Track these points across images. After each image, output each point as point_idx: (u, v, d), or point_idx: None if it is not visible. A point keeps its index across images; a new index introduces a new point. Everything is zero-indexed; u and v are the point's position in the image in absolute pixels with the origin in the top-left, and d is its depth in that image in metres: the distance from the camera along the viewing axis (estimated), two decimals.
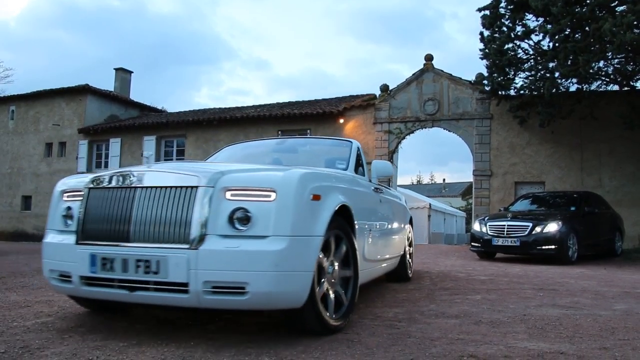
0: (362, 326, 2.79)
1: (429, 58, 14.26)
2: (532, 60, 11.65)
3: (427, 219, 21.53)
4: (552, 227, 7.84)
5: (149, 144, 17.00)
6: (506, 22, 11.41)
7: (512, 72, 11.84)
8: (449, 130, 13.99)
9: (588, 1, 9.69)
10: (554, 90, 10.73)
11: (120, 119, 19.26)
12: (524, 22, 11.21)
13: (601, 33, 8.93)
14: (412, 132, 14.31)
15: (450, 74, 13.99)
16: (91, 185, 2.57)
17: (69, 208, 2.67)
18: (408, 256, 5.08)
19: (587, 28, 9.83)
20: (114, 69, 20.91)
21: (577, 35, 10.22)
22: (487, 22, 11.53)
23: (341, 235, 2.73)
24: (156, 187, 2.38)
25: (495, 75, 11.79)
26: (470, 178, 15.76)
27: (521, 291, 4.41)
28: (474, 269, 6.68)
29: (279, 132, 15.34)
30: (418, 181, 58.24)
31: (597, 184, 12.27)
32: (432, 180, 58.61)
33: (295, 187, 2.33)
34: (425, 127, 14.19)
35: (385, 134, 14.40)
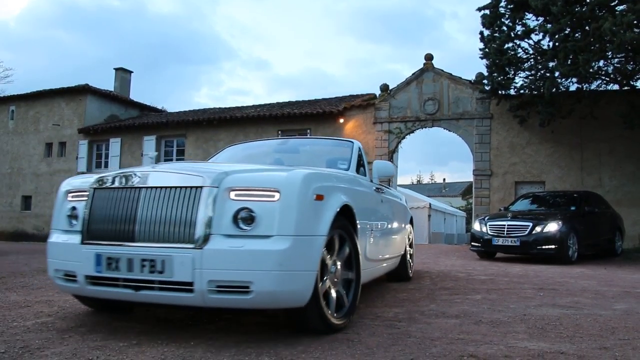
0: (362, 326, 2.80)
1: (428, 58, 14.26)
2: (532, 60, 11.67)
3: (427, 219, 21.53)
4: (552, 226, 7.85)
5: (149, 143, 17.01)
6: (506, 22, 11.43)
7: (512, 72, 11.84)
8: (449, 130, 14.00)
9: (588, 0, 9.69)
10: (554, 90, 10.74)
11: (120, 118, 19.26)
12: (523, 21, 11.23)
13: (601, 32, 8.95)
14: (412, 131, 14.31)
15: (450, 74, 13.99)
16: (96, 186, 2.59)
17: (73, 208, 2.69)
18: (408, 256, 5.10)
19: (587, 27, 9.84)
20: (114, 68, 20.90)
21: (577, 35, 10.23)
22: (487, 21, 11.54)
23: (344, 235, 2.75)
24: (161, 188, 2.40)
25: (495, 74, 11.79)
26: (470, 178, 15.77)
27: (521, 291, 4.42)
28: (474, 268, 6.70)
29: (279, 132, 15.34)
30: (418, 181, 58.33)
31: (597, 183, 12.28)
32: (432, 180, 58.71)
33: (299, 187, 2.35)
34: (425, 127, 14.20)
35: (385, 133, 14.41)
